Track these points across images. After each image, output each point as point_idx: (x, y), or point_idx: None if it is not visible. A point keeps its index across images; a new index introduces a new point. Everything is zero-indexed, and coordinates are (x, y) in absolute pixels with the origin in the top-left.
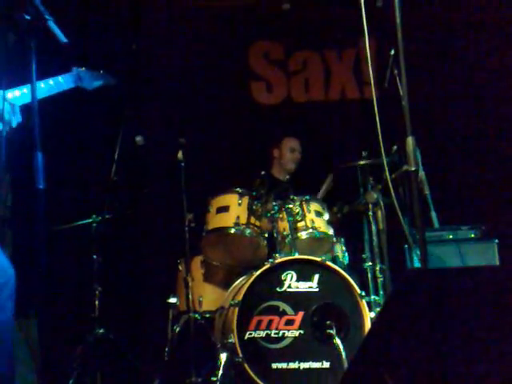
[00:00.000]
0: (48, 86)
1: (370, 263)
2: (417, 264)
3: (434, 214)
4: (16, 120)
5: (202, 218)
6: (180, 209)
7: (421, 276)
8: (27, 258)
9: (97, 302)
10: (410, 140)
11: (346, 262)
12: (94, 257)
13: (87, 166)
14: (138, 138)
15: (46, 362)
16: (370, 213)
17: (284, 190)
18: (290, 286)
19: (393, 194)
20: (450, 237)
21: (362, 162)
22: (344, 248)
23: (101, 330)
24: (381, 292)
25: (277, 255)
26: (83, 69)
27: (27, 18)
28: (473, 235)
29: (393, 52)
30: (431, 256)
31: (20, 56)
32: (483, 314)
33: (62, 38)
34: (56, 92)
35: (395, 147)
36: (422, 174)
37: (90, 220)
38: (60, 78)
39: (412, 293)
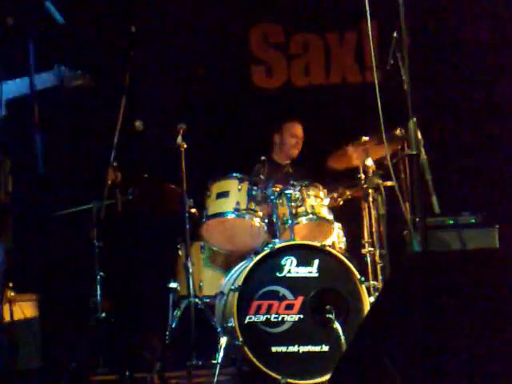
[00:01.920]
0: (22, 84)
1: (370, 248)
2: (417, 249)
3: (434, 199)
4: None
5: (202, 203)
6: (180, 194)
7: (419, 259)
8: (27, 243)
9: (98, 287)
10: (411, 123)
11: (345, 247)
12: (95, 242)
13: (87, 150)
14: (138, 123)
15: (48, 346)
16: (371, 198)
17: (284, 175)
18: (289, 271)
19: (394, 179)
20: (451, 222)
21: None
22: (343, 233)
23: (102, 314)
24: (380, 277)
25: (276, 240)
26: (64, 67)
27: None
28: (473, 221)
29: (395, 34)
30: (431, 241)
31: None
32: (482, 296)
33: (60, 19)
34: (38, 89)
35: (398, 131)
36: (423, 158)
37: (91, 205)
38: (43, 75)
39: (410, 276)
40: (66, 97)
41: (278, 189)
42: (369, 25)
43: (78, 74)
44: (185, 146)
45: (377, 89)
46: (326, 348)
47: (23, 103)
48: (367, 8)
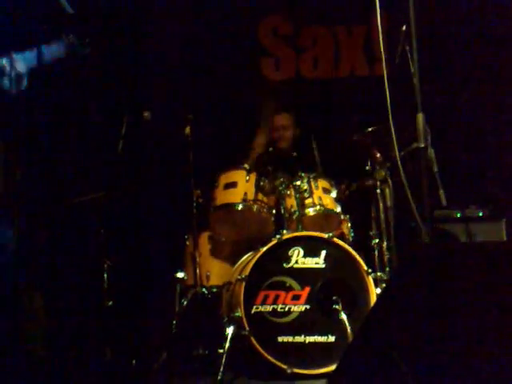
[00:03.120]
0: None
1: (377, 240)
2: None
3: (442, 192)
4: (24, 83)
5: (210, 193)
6: (188, 184)
7: (426, 251)
8: (34, 232)
9: (105, 276)
10: (420, 117)
11: (352, 238)
12: (102, 231)
13: (95, 140)
14: (146, 114)
15: (54, 335)
16: (378, 190)
17: (292, 166)
18: (296, 262)
19: (401, 172)
20: (458, 215)
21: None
22: (350, 225)
23: (109, 303)
24: (387, 269)
25: (284, 231)
26: (72, 35)
27: None
28: (481, 214)
29: (404, 28)
30: (439, 234)
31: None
32: (489, 288)
33: (69, 9)
34: (49, 59)
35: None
36: (431, 151)
37: (99, 194)
38: (53, 46)
39: (417, 268)
40: (68, 73)
41: (285, 180)
42: (378, 18)
43: (87, 42)
44: (193, 136)
45: (386, 82)
46: (332, 338)
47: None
48: (377, 1)
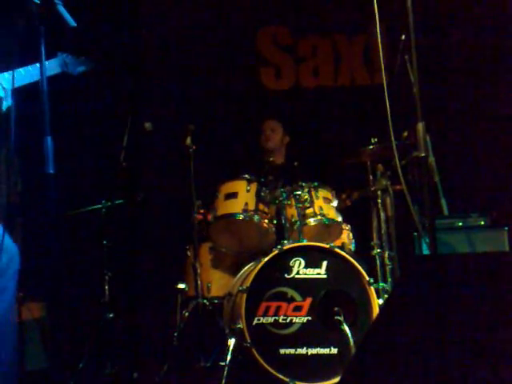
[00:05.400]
0: (31, 72)
1: (379, 250)
2: (426, 251)
3: (443, 201)
4: (6, 103)
5: (211, 204)
6: (188, 195)
7: (429, 262)
8: (37, 243)
9: (106, 287)
10: (420, 126)
11: (353, 248)
12: (104, 242)
13: (96, 151)
14: (147, 124)
15: (56, 346)
16: (379, 199)
17: (293, 176)
18: (298, 273)
19: (402, 181)
20: (460, 224)
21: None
22: (352, 235)
23: (110, 315)
24: (389, 279)
25: (285, 242)
26: (67, 54)
27: (36, 1)
28: (482, 222)
29: (403, 37)
30: (440, 243)
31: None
32: (491, 299)
33: (71, 22)
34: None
35: (406, 133)
36: (431, 160)
37: (100, 206)
38: (47, 63)
39: (420, 279)
40: (70, 84)
41: (286, 190)
42: (378, 27)
43: (82, 61)
44: (194, 147)
45: (385, 91)
46: (334, 350)
47: (14, 99)
48: (376, 11)
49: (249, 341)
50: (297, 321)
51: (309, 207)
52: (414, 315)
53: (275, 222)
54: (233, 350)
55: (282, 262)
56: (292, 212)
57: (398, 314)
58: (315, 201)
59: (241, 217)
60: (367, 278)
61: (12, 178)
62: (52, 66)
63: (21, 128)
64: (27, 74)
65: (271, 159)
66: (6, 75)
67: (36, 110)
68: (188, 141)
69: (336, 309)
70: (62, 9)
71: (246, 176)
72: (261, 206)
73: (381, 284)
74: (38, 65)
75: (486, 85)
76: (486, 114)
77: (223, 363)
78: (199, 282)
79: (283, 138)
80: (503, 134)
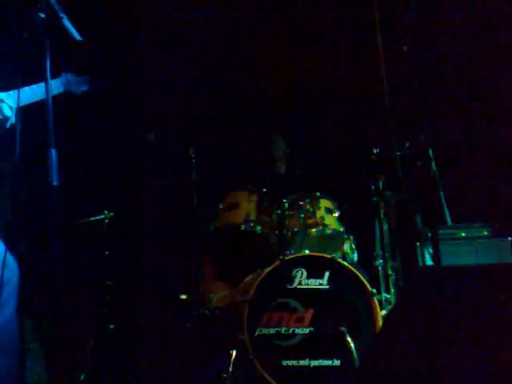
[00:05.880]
0: (35, 91)
1: (382, 261)
2: (429, 262)
3: (446, 211)
4: (10, 121)
5: (213, 214)
6: (191, 205)
7: (432, 274)
8: (40, 254)
9: (108, 298)
10: (422, 137)
11: (356, 259)
12: (106, 252)
13: (99, 162)
14: (150, 135)
15: (57, 357)
16: (382, 210)
17: (295, 186)
18: (300, 283)
19: (406, 191)
20: (463, 234)
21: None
22: (354, 245)
23: (111, 326)
24: (392, 290)
25: (287, 252)
26: (71, 74)
27: (42, 16)
28: (486, 233)
29: (405, 48)
30: (444, 254)
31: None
32: (496, 311)
33: (77, 36)
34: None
35: (407, 144)
36: (434, 170)
37: (102, 216)
38: (50, 83)
39: (424, 291)
40: (73, 103)
41: (288, 200)
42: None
43: (86, 79)
44: (196, 157)
45: (386, 99)
46: (337, 362)
47: (17, 117)
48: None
49: (251, 352)
50: (299, 332)
51: (311, 217)
52: (418, 327)
53: (277, 232)
54: (235, 361)
55: (284, 273)
56: (294, 222)
57: (401, 326)
58: (317, 211)
59: (242, 227)
60: (370, 289)
61: (16, 193)
62: (55, 86)
63: (25, 140)
64: (32, 93)
65: (277, 165)
66: (12, 93)
67: (40, 123)
68: (190, 151)
69: (338, 320)
70: (67, 23)
71: (248, 186)
72: (262, 217)
73: (384, 295)
74: (42, 84)
75: (491, 97)
76: (490, 124)
77: (225, 375)
78: (201, 293)
79: (285, 148)
80: (508, 143)
